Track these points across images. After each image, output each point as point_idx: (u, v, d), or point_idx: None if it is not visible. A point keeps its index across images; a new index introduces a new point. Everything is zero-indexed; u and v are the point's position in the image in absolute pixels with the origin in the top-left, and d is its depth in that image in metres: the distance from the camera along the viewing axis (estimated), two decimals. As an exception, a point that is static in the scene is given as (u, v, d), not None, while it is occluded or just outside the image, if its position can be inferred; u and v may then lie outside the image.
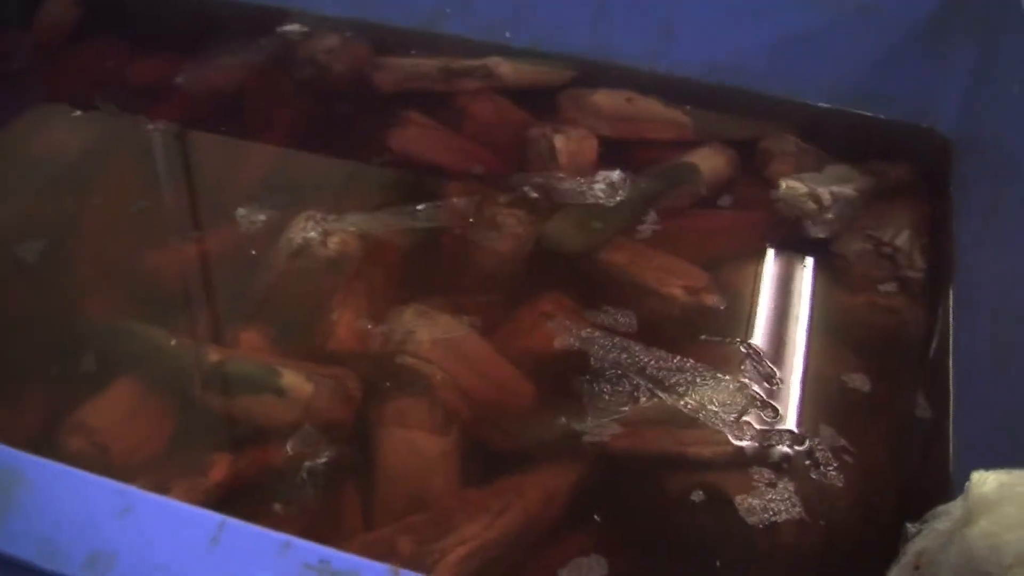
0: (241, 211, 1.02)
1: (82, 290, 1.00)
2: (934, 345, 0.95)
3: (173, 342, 0.90)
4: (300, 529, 0.70)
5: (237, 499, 0.80)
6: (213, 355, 0.90)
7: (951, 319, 0.96)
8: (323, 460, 0.82)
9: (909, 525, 0.62)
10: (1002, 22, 1.02)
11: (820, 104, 1.19)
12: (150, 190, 1.09)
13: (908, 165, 1.12)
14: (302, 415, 0.85)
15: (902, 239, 1.01)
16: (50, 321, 0.96)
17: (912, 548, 0.61)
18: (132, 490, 0.58)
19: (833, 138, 1.15)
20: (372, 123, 1.16)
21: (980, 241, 0.97)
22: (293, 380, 0.86)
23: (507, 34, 1.26)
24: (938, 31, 1.11)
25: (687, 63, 1.21)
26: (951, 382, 0.91)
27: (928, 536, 0.60)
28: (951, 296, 0.98)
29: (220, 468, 0.82)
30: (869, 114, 1.18)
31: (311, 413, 0.85)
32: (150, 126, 1.15)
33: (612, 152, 1.11)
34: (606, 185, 1.04)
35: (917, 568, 0.60)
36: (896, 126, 1.17)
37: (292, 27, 1.29)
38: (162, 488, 0.78)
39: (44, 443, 0.83)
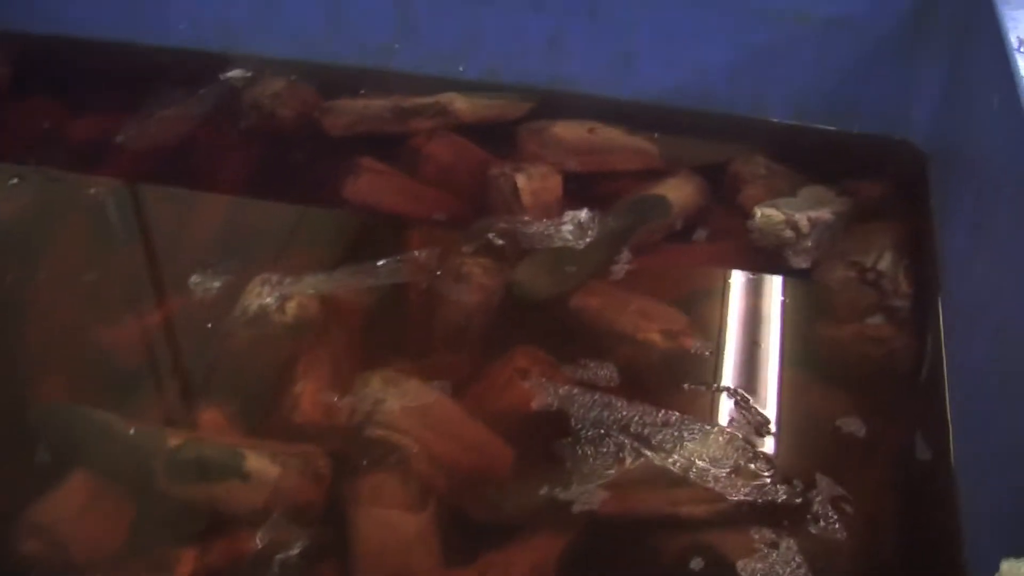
0: (195, 279, 0.98)
1: (30, 372, 0.95)
2: (928, 375, 0.91)
3: (130, 428, 0.86)
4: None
5: (207, 597, 0.76)
6: (173, 439, 0.85)
7: (942, 345, 0.93)
8: (296, 550, 0.77)
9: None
10: (973, 31, 1.00)
11: (789, 122, 1.16)
12: (97, 259, 1.05)
13: (884, 180, 1.09)
14: (270, 499, 0.80)
15: (885, 262, 0.98)
16: (-4, 408, 0.91)
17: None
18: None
19: (805, 156, 1.12)
20: (324, 171, 1.12)
21: (966, 258, 0.93)
22: (258, 463, 0.82)
23: (460, 68, 1.22)
24: (907, 42, 1.08)
25: (650, 87, 1.18)
26: (948, 415, 0.87)
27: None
28: (940, 320, 0.95)
29: (187, 563, 0.78)
30: (840, 129, 1.15)
31: (279, 496, 0.81)
32: (92, 189, 1.10)
33: (577, 187, 1.07)
34: (574, 226, 1.00)
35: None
36: (869, 140, 1.14)
37: (235, 73, 1.25)
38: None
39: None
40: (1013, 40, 0.88)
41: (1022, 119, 0.79)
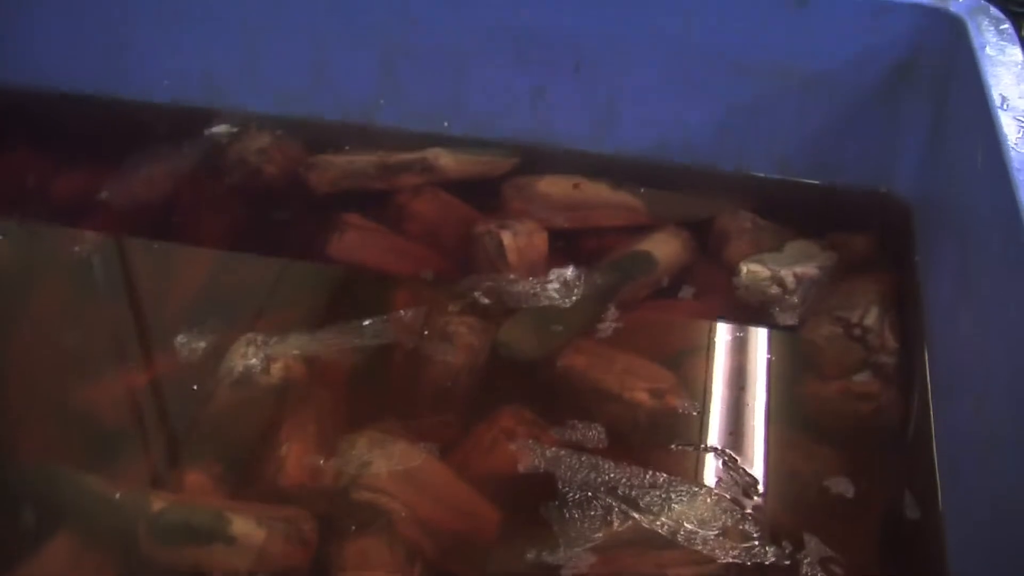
0: (180, 338, 0.97)
1: (12, 431, 0.94)
2: (916, 432, 0.91)
3: (113, 491, 0.85)
4: None
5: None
6: (157, 503, 0.84)
7: (930, 401, 0.93)
8: (282, 618, 0.77)
9: None
10: (956, 86, 1.00)
11: (774, 176, 1.16)
12: (81, 317, 1.04)
13: (869, 234, 1.09)
14: (256, 563, 0.80)
15: (871, 317, 0.98)
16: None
17: None
18: None
19: (791, 210, 1.11)
20: (309, 228, 1.11)
21: (951, 313, 0.93)
22: (243, 526, 0.81)
23: (445, 123, 1.22)
24: (890, 96, 1.08)
25: (634, 142, 1.18)
26: (937, 472, 0.87)
27: None
28: (927, 375, 0.95)
29: (171, 628, 0.77)
30: (825, 183, 1.15)
31: (265, 560, 0.80)
32: (76, 246, 1.10)
33: (563, 243, 1.07)
34: (560, 284, 1.00)
35: None
36: (854, 193, 1.14)
37: (220, 128, 1.24)
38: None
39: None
40: (996, 97, 0.88)
41: (1006, 177, 0.79)
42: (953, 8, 1.02)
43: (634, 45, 1.12)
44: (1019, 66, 0.92)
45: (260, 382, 0.93)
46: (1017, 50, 0.95)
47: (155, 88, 1.28)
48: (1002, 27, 0.98)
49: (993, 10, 1.01)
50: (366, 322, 0.97)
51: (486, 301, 0.99)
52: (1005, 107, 0.86)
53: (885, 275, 1.04)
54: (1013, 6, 1.85)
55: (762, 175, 1.16)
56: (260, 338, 0.95)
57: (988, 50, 0.95)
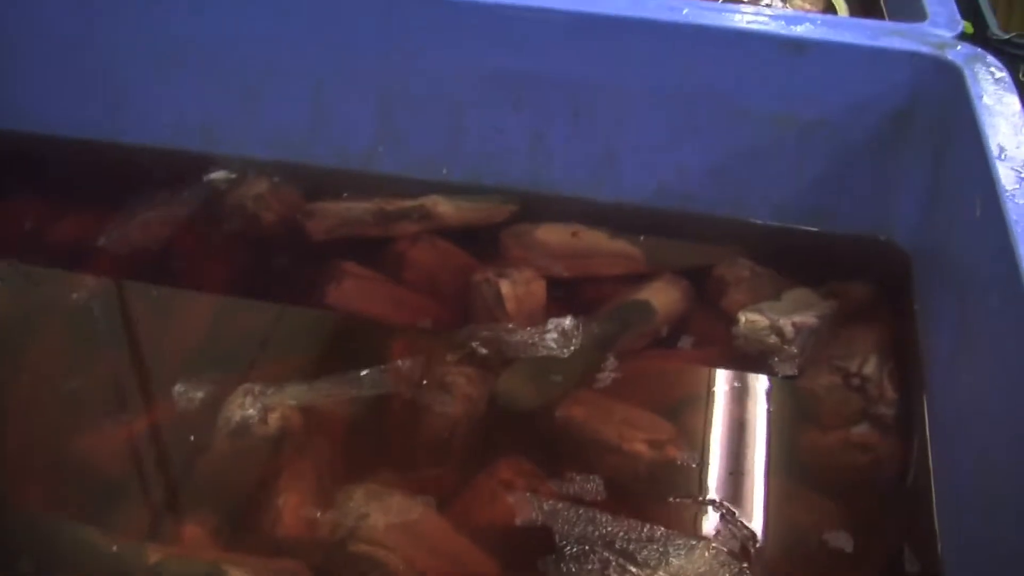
0: (179, 387, 0.96)
1: (10, 479, 0.94)
2: (915, 484, 0.91)
3: (110, 543, 0.84)
4: None
5: None
6: (153, 555, 0.84)
7: (929, 452, 0.92)
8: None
9: None
10: (955, 136, 1.00)
11: (772, 223, 1.16)
12: (79, 365, 1.03)
13: (868, 282, 1.09)
14: (252, 618, 0.79)
15: (870, 367, 0.98)
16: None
17: None
18: None
19: (789, 258, 1.11)
20: (307, 276, 1.11)
21: (951, 364, 0.93)
22: (241, 580, 0.81)
23: (444, 170, 1.22)
24: (889, 143, 1.08)
25: (632, 189, 1.18)
26: (936, 525, 0.86)
27: None
28: (926, 426, 0.95)
29: None
30: (824, 230, 1.15)
31: (262, 615, 0.79)
32: (74, 294, 1.09)
33: (562, 292, 1.07)
34: (558, 334, 0.99)
35: None
36: (853, 240, 1.14)
37: (218, 174, 1.24)
38: None
39: None
40: (994, 147, 0.88)
41: (1004, 229, 0.79)
42: (950, 56, 1.02)
43: (632, 92, 1.12)
44: (1016, 116, 0.92)
45: (257, 432, 0.92)
46: (1014, 99, 0.95)
47: (154, 133, 1.28)
48: (999, 76, 0.98)
49: (990, 59, 1.01)
50: (364, 372, 0.97)
51: (484, 351, 0.99)
52: (1003, 157, 0.86)
53: (884, 324, 1.04)
54: (1011, 48, 1.86)
55: (760, 222, 1.16)
56: (257, 388, 0.95)
57: (985, 99, 0.95)
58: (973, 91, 0.96)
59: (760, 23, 1.07)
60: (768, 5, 1.57)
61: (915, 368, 0.99)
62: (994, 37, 1.88)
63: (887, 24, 1.12)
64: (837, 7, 1.58)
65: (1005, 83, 0.97)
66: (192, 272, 1.14)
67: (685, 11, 1.08)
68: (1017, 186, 0.83)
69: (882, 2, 1.54)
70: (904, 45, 1.04)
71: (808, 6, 1.57)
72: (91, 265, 1.14)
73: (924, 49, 1.04)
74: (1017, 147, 0.88)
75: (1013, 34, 1.88)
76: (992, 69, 0.99)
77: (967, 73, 0.99)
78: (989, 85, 0.97)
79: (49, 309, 1.10)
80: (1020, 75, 1.86)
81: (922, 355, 1.00)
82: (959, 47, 1.03)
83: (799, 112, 1.09)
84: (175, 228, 1.18)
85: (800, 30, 1.06)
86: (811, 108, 1.08)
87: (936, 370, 0.96)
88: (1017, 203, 0.81)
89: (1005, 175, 0.84)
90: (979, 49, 1.03)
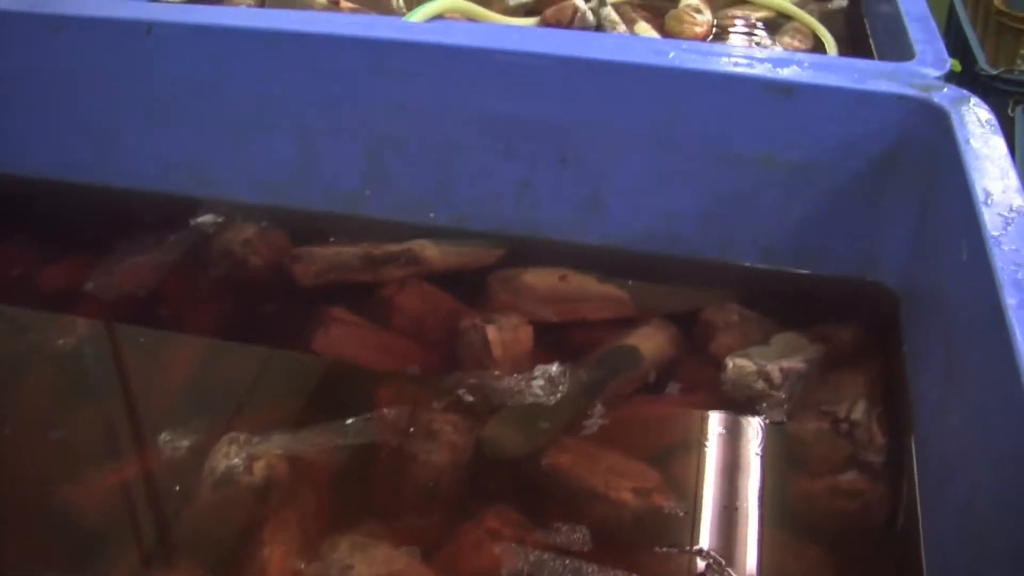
0: (164, 436, 0.96)
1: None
2: (903, 530, 0.90)
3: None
4: None
5: None
6: (137, 609, 0.84)
7: (918, 497, 0.92)
8: None
9: None
10: (941, 179, 1.00)
11: (760, 266, 1.15)
12: (64, 413, 1.03)
13: (857, 324, 1.09)
14: (237, 672, 0.79)
15: (858, 411, 0.97)
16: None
17: None
18: None
19: (777, 301, 1.11)
20: (294, 322, 1.10)
21: (939, 408, 0.92)
22: (223, 633, 0.80)
23: (431, 214, 1.22)
24: (876, 186, 1.08)
25: (620, 233, 1.17)
26: (924, 571, 0.86)
27: None
28: (915, 471, 0.94)
29: None
30: (812, 272, 1.15)
31: (246, 669, 0.79)
32: (60, 340, 1.09)
33: (548, 337, 1.07)
34: (545, 381, 0.99)
35: None
36: (841, 282, 1.14)
37: (206, 218, 1.24)
38: None
39: None
40: (979, 191, 0.88)
41: (990, 274, 0.79)
42: (936, 99, 1.02)
43: (620, 136, 1.12)
44: (1003, 159, 0.92)
45: (242, 481, 0.92)
46: (1001, 142, 0.95)
47: (142, 177, 1.28)
48: (985, 118, 0.98)
49: (976, 101, 1.01)
50: (349, 420, 0.97)
51: (470, 398, 0.99)
52: (989, 202, 0.86)
53: (873, 367, 1.03)
54: (999, 84, 1.86)
55: (748, 264, 1.16)
56: (243, 436, 0.94)
57: (972, 142, 0.95)
58: (960, 134, 0.96)
59: (747, 67, 1.07)
60: (758, 43, 1.58)
61: (904, 410, 0.99)
62: (983, 72, 1.89)
63: (874, 65, 1.11)
64: (826, 44, 1.58)
65: (992, 125, 0.97)
66: (179, 317, 1.14)
67: (672, 55, 1.08)
68: (1003, 230, 0.82)
69: (870, 39, 1.54)
70: (891, 88, 1.04)
71: (797, 43, 1.57)
72: (78, 310, 1.14)
73: (910, 92, 1.03)
74: (1003, 191, 0.87)
75: (1002, 69, 1.89)
76: (978, 111, 0.99)
77: (954, 116, 0.99)
78: (976, 128, 0.97)
79: (35, 354, 1.10)
80: (1009, 110, 1.87)
81: (911, 397, 0.99)
82: (945, 89, 1.03)
83: (786, 154, 1.09)
84: (162, 273, 1.18)
85: (787, 73, 1.06)
86: (798, 150, 1.08)
87: (924, 412, 0.95)
88: (1002, 248, 0.80)
89: (991, 219, 0.84)
90: (965, 91, 1.03)
